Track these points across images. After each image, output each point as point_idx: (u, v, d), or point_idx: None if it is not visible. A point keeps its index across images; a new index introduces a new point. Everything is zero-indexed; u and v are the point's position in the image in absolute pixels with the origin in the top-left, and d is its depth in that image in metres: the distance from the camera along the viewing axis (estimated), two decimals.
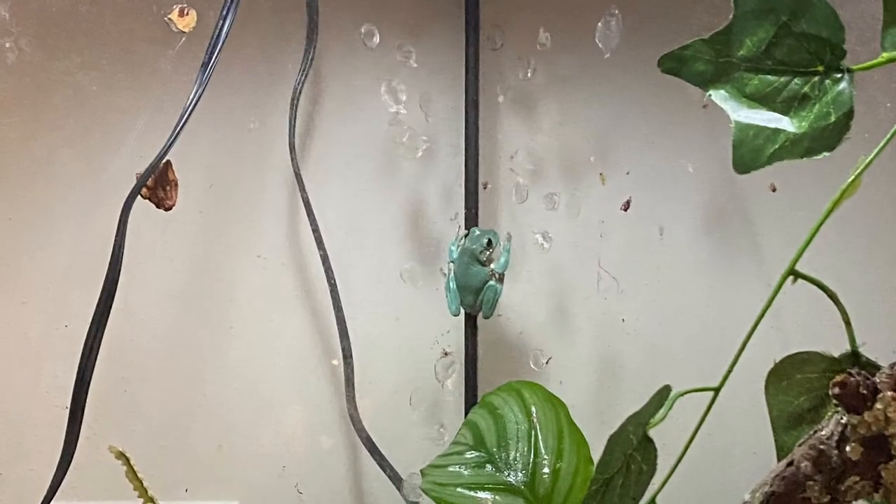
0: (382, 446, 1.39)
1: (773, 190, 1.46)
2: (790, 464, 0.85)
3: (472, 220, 1.42)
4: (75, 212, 1.43)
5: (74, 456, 1.18)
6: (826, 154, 0.90)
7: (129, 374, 1.43)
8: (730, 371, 0.98)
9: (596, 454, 1.10)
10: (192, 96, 1.21)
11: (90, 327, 1.16)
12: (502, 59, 1.48)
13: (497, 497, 1.20)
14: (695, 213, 1.49)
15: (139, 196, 1.20)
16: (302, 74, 1.41)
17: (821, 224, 0.91)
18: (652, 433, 1.00)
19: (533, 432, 1.25)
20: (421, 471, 1.27)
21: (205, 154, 1.45)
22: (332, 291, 1.41)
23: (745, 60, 0.93)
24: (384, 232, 1.48)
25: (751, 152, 0.92)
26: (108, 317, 1.17)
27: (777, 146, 0.91)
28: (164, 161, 1.22)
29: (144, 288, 1.43)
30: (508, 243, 1.40)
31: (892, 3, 0.87)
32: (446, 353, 1.44)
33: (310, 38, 1.41)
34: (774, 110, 0.92)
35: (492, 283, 1.38)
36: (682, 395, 1.01)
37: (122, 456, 1.04)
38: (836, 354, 0.97)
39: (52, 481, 1.19)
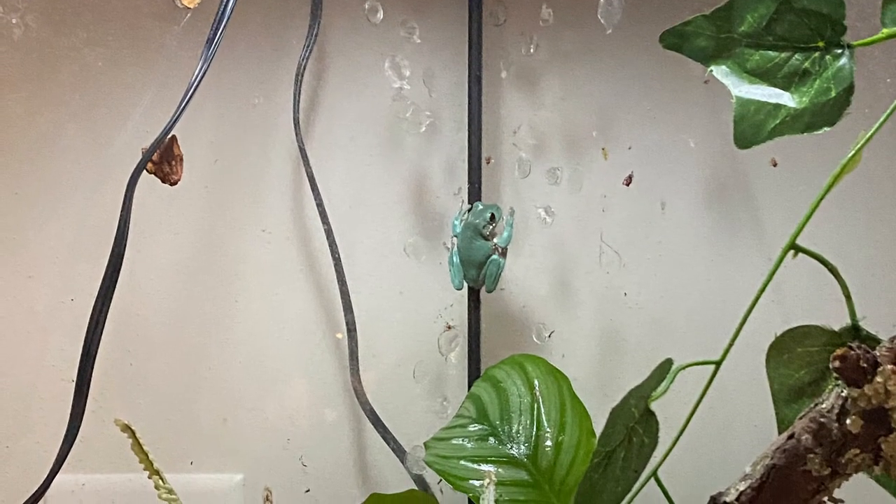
0: (386, 419, 1.40)
1: (774, 165, 1.46)
2: (791, 437, 0.86)
3: (475, 194, 1.42)
4: (81, 186, 1.43)
5: (80, 429, 1.19)
6: (826, 129, 0.90)
7: (134, 347, 1.44)
8: (731, 344, 0.99)
9: (598, 427, 1.11)
10: (196, 72, 1.22)
11: (96, 301, 1.17)
12: (505, 35, 1.48)
13: (500, 470, 1.21)
14: (696, 188, 1.49)
15: (145, 171, 1.21)
16: (306, 50, 1.41)
17: (821, 199, 0.91)
18: (654, 406, 1.01)
19: (535, 405, 1.26)
20: (424, 443, 1.28)
21: (210, 129, 1.45)
22: (336, 265, 1.42)
23: (746, 36, 0.93)
24: (388, 206, 1.49)
25: (752, 127, 0.93)
26: (113, 291, 1.18)
27: (778, 121, 0.92)
28: (169, 136, 1.22)
29: (150, 262, 1.44)
30: (511, 218, 1.40)
31: None
32: (449, 327, 1.45)
33: (314, 13, 1.41)
34: (775, 86, 0.93)
35: (495, 257, 1.38)
36: (683, 368, 1.02)
37: (127, 429, 1.04)
38: (836, 328, 0.98)
39: (58, 454, 1.20)
